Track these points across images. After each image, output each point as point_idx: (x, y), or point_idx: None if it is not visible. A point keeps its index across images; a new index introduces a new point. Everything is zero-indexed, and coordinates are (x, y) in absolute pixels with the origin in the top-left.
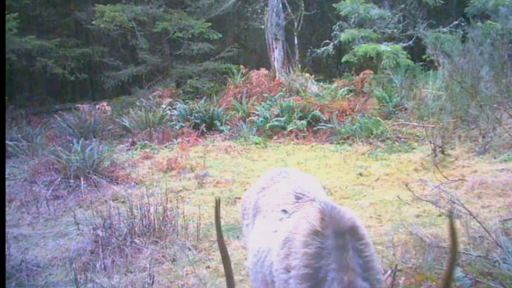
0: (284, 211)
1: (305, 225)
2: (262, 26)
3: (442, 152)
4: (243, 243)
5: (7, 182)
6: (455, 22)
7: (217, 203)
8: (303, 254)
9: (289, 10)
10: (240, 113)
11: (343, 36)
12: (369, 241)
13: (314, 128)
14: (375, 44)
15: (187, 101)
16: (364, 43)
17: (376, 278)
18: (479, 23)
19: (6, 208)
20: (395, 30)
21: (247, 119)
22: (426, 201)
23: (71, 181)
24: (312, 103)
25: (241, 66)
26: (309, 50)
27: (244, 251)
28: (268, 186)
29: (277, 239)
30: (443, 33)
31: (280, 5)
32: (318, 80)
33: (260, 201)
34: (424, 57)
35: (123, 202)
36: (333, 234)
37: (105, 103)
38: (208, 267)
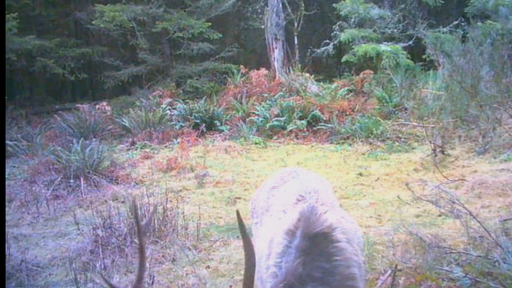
0: (284, 211)
1: (284, 226)
2: (262, 26)
3: (442, 152)
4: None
5: (7, 182)
6: (455, 22)
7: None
8: (274, 253)
9: (289, 10)
10: (240, 113)
11: (343, 36)
12: (344, 246)
13: (314, 128)
14: (375, 44)
15: (187, 101)
16: (364, 43)
17: (344, 284)
18: (479, 23)
19: (6, 208)
20: (395, 30)
21: (247, 119)
22: (426, 201)
23: (71, 181)
24: (312, 103)
25: (241, 66)
26: (309, 50)
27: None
28: (278, 186)
29: (268, 239)
30: (443, 33)
31: (280, 5)
32: (318, 80)
33: (269, 200)
34: (424, 57)
35: (123, 202)
36: (301, 235)
37: (105, 103)
38: (208, 267)
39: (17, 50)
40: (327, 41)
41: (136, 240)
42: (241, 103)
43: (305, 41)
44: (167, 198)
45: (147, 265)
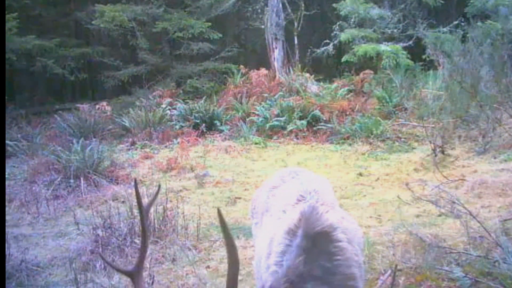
0: (284, 211)
1: (284, 226)
2: (262, 26)
3: (442, 152)
4: (243, 243)
5: (7, 182)
6: (455, 22)
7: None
8: (274, 252)
9: (289, 10)
10: (240, 113)
11: (343, 36)
12: (345, 246)
13: (314, 128)
14: (375, 44)
15: (187, 101)
16: (364, 43)
17: (344, 284)
18: (479, 23)
19: (6, 208)
20: (395, 30)
21: (247, 119)
22: (426, 201)
23: (71, 181)
24: (312, 103)
25: (241, 66)
26: (309, 50)
27: (244, 251)
28: (278, 186)
29: (267, 239)
30: (443, 33)
31: (280, 5)
32: (318, 80)
33: (269, 200)
34: (424, 57)
35: (123, 202)
36: (302, 234)
37: (105, 103)
38: (208, 267)
39: (17, 50)
40: (327, 41)
41: (136, 240)
42: (241, 103)
43: (305, 41)
44: (167, 198)
45: (147, 265)
